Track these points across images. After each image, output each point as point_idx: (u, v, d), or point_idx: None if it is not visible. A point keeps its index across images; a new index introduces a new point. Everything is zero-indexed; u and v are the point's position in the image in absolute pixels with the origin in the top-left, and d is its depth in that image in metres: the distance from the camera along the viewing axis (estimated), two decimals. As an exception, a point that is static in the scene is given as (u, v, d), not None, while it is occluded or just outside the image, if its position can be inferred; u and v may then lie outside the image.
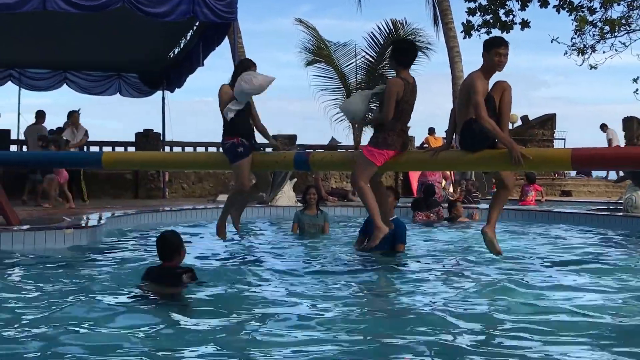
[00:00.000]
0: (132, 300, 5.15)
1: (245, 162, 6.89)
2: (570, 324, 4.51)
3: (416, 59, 6.86)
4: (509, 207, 13.78)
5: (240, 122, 6.90)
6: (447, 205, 13.41)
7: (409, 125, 6.66)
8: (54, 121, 18.28)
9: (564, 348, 3.96)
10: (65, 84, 19.62)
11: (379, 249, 7.47)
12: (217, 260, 7.61)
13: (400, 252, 8.03)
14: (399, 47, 7.03)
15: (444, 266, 7.37)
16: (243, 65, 7.16)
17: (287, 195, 14.84)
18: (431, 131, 21.69)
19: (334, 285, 5.97)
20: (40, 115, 16.22)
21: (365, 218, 8.90)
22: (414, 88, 6.57)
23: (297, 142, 19.73)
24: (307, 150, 7.27)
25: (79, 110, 15.20)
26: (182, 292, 5.33)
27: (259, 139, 7.40)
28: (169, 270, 5.42)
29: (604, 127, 24.43)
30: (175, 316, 4.57)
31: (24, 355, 3.72)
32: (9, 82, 19.37)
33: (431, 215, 12.75)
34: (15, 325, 4.35)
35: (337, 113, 22.03)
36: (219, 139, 7.18)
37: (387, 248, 7.82)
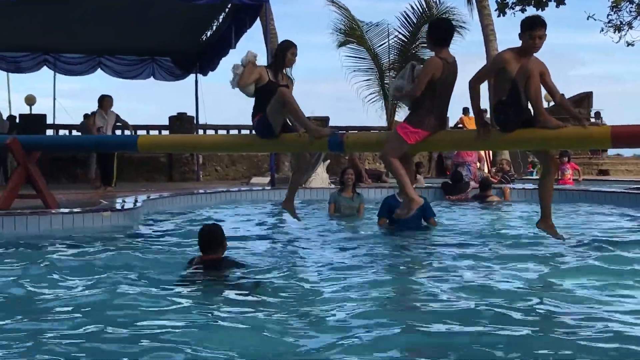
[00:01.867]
0: (175, 285, 5.09)
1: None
2: (607, 306, 4.42)
3: (454, 36, 6.72)
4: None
5: (262, 100, 7.04)
6: (479, 185, 13.39)
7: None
8: (88, 105, 18.46)
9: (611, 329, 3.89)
10: (99, 68, 19.80)
11: (408, 226, 7.84)
12: (254, 242, 7.56)
13: (432, 227, 8.34)
14: (435, 26, 6.92)
15: (474, 245, 7.26)
16: (282, 46, 7.21)
17: (320, 177, 14.81)
18: (465, 111, 21.51)
19: (372, 269, 5.87)
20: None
21: (383, 199, 8.92)
22: (454, 68, 6.46)
23: (330, 124, 19.69)
24: (341, 132, 7.22)
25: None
26: (224, 278, 5.25)
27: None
28: (214, 263, 5.36)
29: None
30: (219, 302, 4.54)
31: (66, 337, 3.74)
32: (44, 67, 19.60)
33: (461, 196, 13.01)
34: (57, 308, 4.37)
35: (371, 94, 21.98)
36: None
37: (415, 225, 8.14)
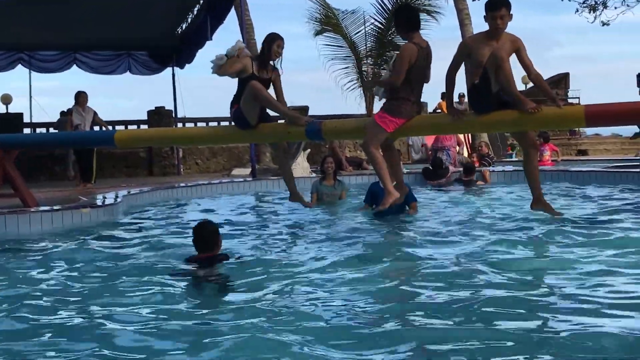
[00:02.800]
0: (166, 282, 4.96)
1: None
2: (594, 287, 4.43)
3: (421, 20, 6.77)
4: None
5: (243, 91, 7.10)
6: (460, 169, 13.45)
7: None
8: (65, 103, 18.31)
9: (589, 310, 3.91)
10: (75, 65, 19.61)
11: (390, 211, 7.75)
12: (239, 233, 7.51)
13: (413, 212, 8.42)
14: (401, 13, 7.05)
15: (455, 228, 7.27)
16: (268, 38, 7.26)
17: (301, 167, 14.83)
18: (444, 96, 21.57)
19: (358, 258, 5.79)
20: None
21: (369, 186, 9.01)
22: (428, 53, 6.51)
23: (309, 113, 19.67)
24: (319, 120, 7.23)
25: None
26: (218, 272, 5.14)
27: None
28: (211, 259, 5.26)
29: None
30: (212, 302, 4.48)
31: (45, 337, 3.71)
32: (19, 66, 19.39)
33: (442, 181, 13.09)
34: (39, 308, 4.31)
35: (349, 81, 21.99)
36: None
37: (398, 209, 8.09)
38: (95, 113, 13.85)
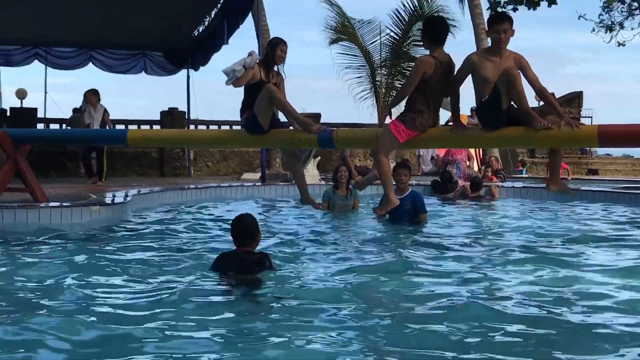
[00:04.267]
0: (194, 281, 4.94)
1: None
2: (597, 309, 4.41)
3: (448, 34, 6.77)
4: (534, 186, 13.75)
5: (251, 97, 7.18)
6: (469, 183, 13.44)
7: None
8: (79, 99, 18.40)
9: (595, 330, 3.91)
10: (90, 63, 19.73)
11: (401, 220, 8.43)
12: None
13: (422, 222, 8.58)
14: (431, 24, 6.98)
15: (463, 242, 7.27)
16: (271, 43, 7.32)
17: (310, 174, 14.82)
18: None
19: (371, 262, 5.86)
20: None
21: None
22: (450, 67, 6.50)
23: (321, 121, 19.70)
24: (331, 128, 7.25)
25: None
26: (257, 278, 4.95)
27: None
28: (249, 256, 5.09)
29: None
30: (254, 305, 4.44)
31: (52, 334, 3.65)
32: (36, 61, 19.52)
33: (451, 194, 13.16)
34: (43, 303, 4.32)
35: (362, 91, 22.03)
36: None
37: (409, 220, 8.53)
38: (105, 111, 13.82)
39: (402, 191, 8.64)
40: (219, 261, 5.18)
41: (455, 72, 6.49)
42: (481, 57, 6.33)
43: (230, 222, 5.42)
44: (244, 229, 5.18)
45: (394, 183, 8.76)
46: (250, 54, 7.18)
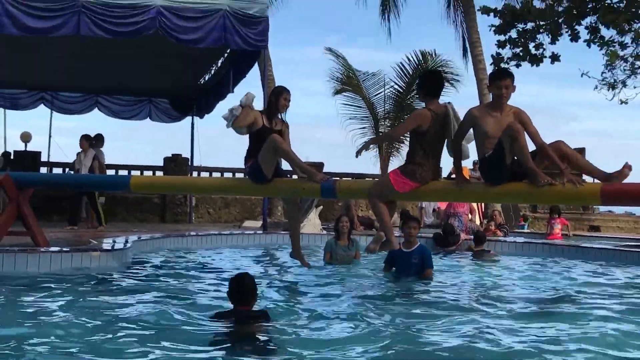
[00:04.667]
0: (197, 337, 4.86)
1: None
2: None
3: (444, 88, 6.85)
4: (535, 241, 13.70)
5: (255, 145, 7.27)
6: (472, 237, 13.39)
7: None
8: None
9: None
10: (96, 108, 19.86)
11: (409, 275, 8.38)
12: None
13: (428, 277, 8.42)
14: (426, 78, 7.16)
15: (469, 299, 7.24)
16: (275, 91, 7.41)
17: (312, 223, 14.80)
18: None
19: (373, 320, 5.71)
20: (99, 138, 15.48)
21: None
22: (446, 119, 6.56)
23: (324, 170, 19.73)
24: (334, 178, 7.27)
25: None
26: (255, 332, 4.96)
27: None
28: (247, 314, 5.12)
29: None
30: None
31: None
32: (41, 105, 19.66)
33: (453, 248, 13.15)
34: (40, 349, 4.30)
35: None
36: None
37: (416, 274, 8.42)
38: (95, 157, 13.90)
39: (410, 244, 8.61)
40: (218, 319, 5.15)
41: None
42: (483, 111, 6.37)
43: (230, 274, 5.42)
44: (244, 288, 5.19)
45: (402, 235, 8.77)
46: (246, 94, 7.26)
